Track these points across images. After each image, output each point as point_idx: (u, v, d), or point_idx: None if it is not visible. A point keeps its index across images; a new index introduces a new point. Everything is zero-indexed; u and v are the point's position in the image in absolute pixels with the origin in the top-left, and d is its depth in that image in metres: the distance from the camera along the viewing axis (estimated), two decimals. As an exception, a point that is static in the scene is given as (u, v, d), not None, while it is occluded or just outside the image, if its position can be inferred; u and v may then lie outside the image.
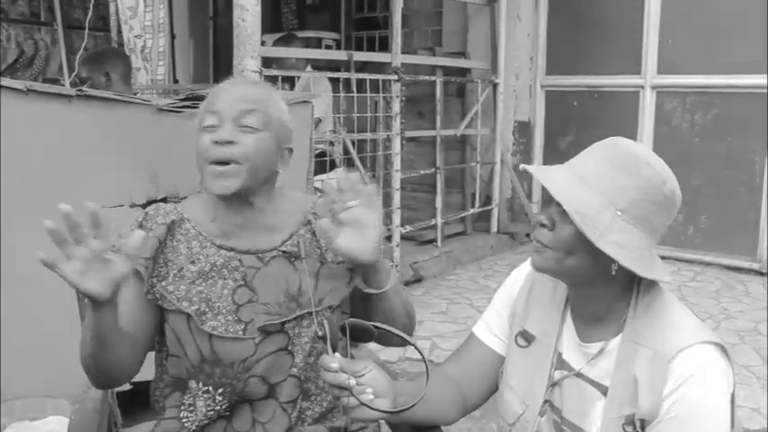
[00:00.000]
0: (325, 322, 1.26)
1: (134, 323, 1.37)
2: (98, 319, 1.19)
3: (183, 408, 1.43)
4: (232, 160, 1.33)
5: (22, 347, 2.43)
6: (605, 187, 1.21)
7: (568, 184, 1.23)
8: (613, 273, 1.22)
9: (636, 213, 1.21)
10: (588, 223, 1.18)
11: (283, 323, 1.41)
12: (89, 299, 1.15)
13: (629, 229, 1.20)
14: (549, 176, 1.26)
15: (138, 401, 1.62)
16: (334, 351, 1.24)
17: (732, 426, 1.23)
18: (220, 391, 1.39)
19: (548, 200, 1.27)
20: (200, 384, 1.40)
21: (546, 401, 1.37)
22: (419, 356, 1.31)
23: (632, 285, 1.30)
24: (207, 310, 1.37)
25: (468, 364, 1.50)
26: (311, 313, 1.41)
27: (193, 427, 1.42)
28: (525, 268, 1.49)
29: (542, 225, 1.28)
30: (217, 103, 1.36)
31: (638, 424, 1.23)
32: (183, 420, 1.42)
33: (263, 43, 3.94)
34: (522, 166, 1.35)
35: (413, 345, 1.33)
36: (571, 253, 1.24)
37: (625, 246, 1.19)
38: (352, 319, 1.29)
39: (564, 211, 1.21)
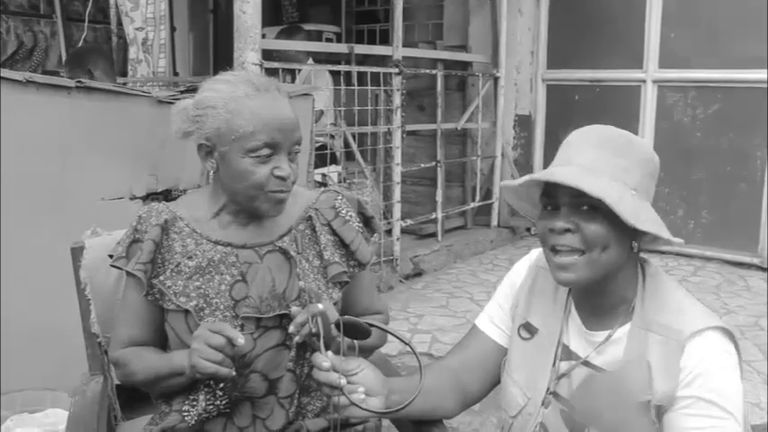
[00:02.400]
0: (319, 320, 1.25)
1: (150, 324, 1.45)
2: (186, 381, 1.37)
3: (186, 402, 1.43)
4: (287, 189, 1.39)
5: (23, 341, 2.42)
6: (615, 173, 1.23)
7: (590, 180, 1.21)
8: (634, 250, 1.27)
9: (643, 189, 1.25)
10: (623, 210, 1.19)
11: (281, 318, 1.41)
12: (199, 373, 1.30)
13: (643, 206, 1.24)
14: (569, 175, 1.22)
15: (136, 395, 1.61)
16: (327, 349, 1.24)
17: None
18: (221, 386, 1.39)
19: (555, 205, 1.26)
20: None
21: (550, 393, 1.37)
22: (419, 351, 1.30)
23: (637, 272, 1.31)
24: (205, 306, 1.38)
25: (471, 355, 1.49)
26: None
27: (192, 422, 1.41)
28: (527, 260, 1.49)
29: (566, 230, 1.24)
30: (273, 135, 1.34)
31: (653, 411, 1.23)
32: (184, 414, 1.42)
33: (263, 36, 3.92)
34: (526, 179, 1.30)
35: (407, 344, 1.32)
36: (605, 248, 1.24)
37: (652, 220, 1.23)
38: (346, 316, 1.28)
39: (586, 210, 1.22)
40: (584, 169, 1.24)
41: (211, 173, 1.42)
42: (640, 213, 1.21)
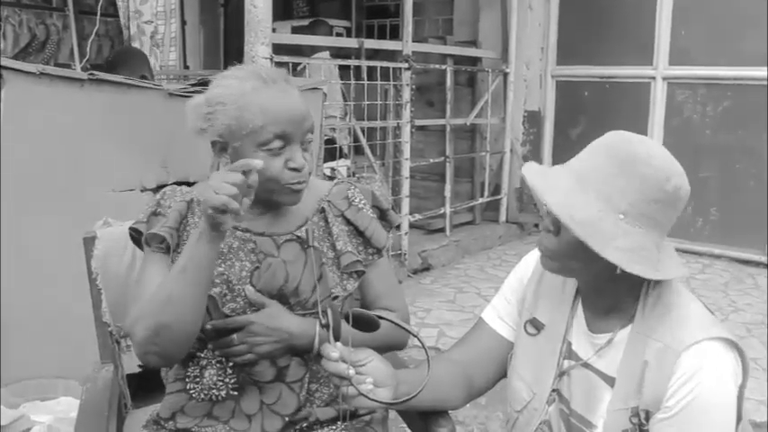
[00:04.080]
0: (329, 311, 1.27)
1: None
2: (210, 251, 1.26)
3: (188, 380, 1.44)
4: (305, 180, 1.39)
5: (35, 330, 2.45)
6: (605, 191, 1.19)
7: (567, 192, 1.21)
8: (618, 272, 1.20)
9: (638, 214, 1.18)
10: (590, 233, 1.16)
11: (291, 308, 1.42)
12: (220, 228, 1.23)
13: (633, 231, 1.18)
14: (547, 184, 1.23)
15: (147, 383, 1.64)
16: (337, 340, 1.25)
17: (740, 419, 1.23)
18: (231, 364, 1.41)
19: None
20: (215, 353, 1.41)
21: (554, 390, 1.37)
22: (426, 345, 1.31)
23: (642, 279, 1.27)
24: (227, 292, 1.39)
25: (476, 348, 1.50)
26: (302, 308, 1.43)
27: (201, 396, 1.43)
28: (535, 255, 1.48)
29: (548, 231, 1.27)
30: (283, 127, 1.35)
31: (642, 415, 1.23)
32: (191, 392, 1.44)
33: (274, 30, 3.94)
34: (522, 171, 1.31)
35: (416, 336, 1.34)
36: (577, 258, 1.24)
37: (629, 249, 1.17)
38: (356, 308, 1.29)
39: None
40: (576, 178, 1.22)
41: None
42: (617, 240, 1.17)
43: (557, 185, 1.23)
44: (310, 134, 1.41)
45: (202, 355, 1.42)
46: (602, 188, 1.19)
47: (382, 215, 1.57)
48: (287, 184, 1.37)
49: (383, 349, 1.43)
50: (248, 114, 1.34)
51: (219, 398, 1.43)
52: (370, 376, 1.26)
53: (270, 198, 1.40)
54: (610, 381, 1.29)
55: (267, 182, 1.36)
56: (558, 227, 1.25)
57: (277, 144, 1.35)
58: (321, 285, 1.44)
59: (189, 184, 1.54)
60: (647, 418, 1.23)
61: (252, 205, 1.44)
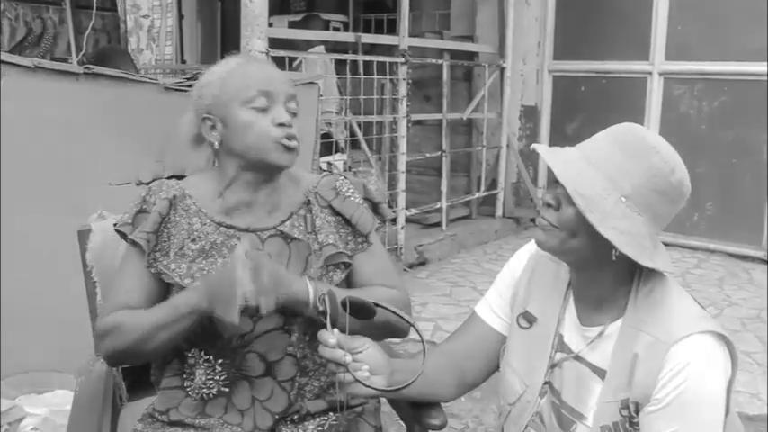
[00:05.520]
0: (326, 298, 1.27)
1: (149, 294, 1.42)
2: (191, 323, 1.33)
3: (185, 376, 1.45)
4: (294, 138, 1.42)
5: (30, 323, 2.45)
6: (611, 172, 1.21)
7: (574, 167, 1.23)
8: (614, 258, 1.22)
9: (640, 201, 1.21)
10: (591, 208, 1.18)
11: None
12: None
13: (631, 216, 1.20)
14: (556, 158, 1.26)
15: (142, 376, 1.64)
16: (333, 327, 1.26)
17: (727, 412, 1.24)
18: (220, 362, 1.41)
19: (554, 180, 1.27)
20: (202, 353, 1.42)
21: (546, 382, 1.38)
22: (422, 333, 1.32)
23: (634, 271, 1.29)
24: None
25: (469, 342, 1.51)
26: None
27: (194, 394, 1.43)
28: (528, 250, 1.49)
29: (548, 204, 1.28)
30: (268, 85, 1.41)
31: (632, 407, 1.24)
32: (188, 389, 1.44)
33: (270, 24, 3.94)
34: (532, 146, 1.35)
35: (412, 325, 1.34)
36: (574, 234, 1.25)
37: (626, 232, 1.19)
38: (352, 296, 1.30)
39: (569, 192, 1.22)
40: (585, 157, 1.24)
41: (216, 144, 1.44)
42: (615, 220, 1.19)
43: (566, 159, 1.25)
44: (293, 104, 1.44)
45: (190, 355, 1.43)
46: (609, 169, 1.22)
47: (374, 209, 1.57)
48: (278, 141, 1.39)
49: (386, 333, 1.44)
50: (232, 80, 1.42)
51: (211, 395, 1.43)
52: (366, 363, 1.27)
53: (264, 160, 1.40)
54: (600, 373, 1.30)
55: (260, 138, 1.39)
56: (559, 201, 1.26)
57: (261, 101, 1.40)
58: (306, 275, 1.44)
59: (183, 178, 1.54)
60: (637, 411, 1.24)
61: (240, 194, 1.45)
